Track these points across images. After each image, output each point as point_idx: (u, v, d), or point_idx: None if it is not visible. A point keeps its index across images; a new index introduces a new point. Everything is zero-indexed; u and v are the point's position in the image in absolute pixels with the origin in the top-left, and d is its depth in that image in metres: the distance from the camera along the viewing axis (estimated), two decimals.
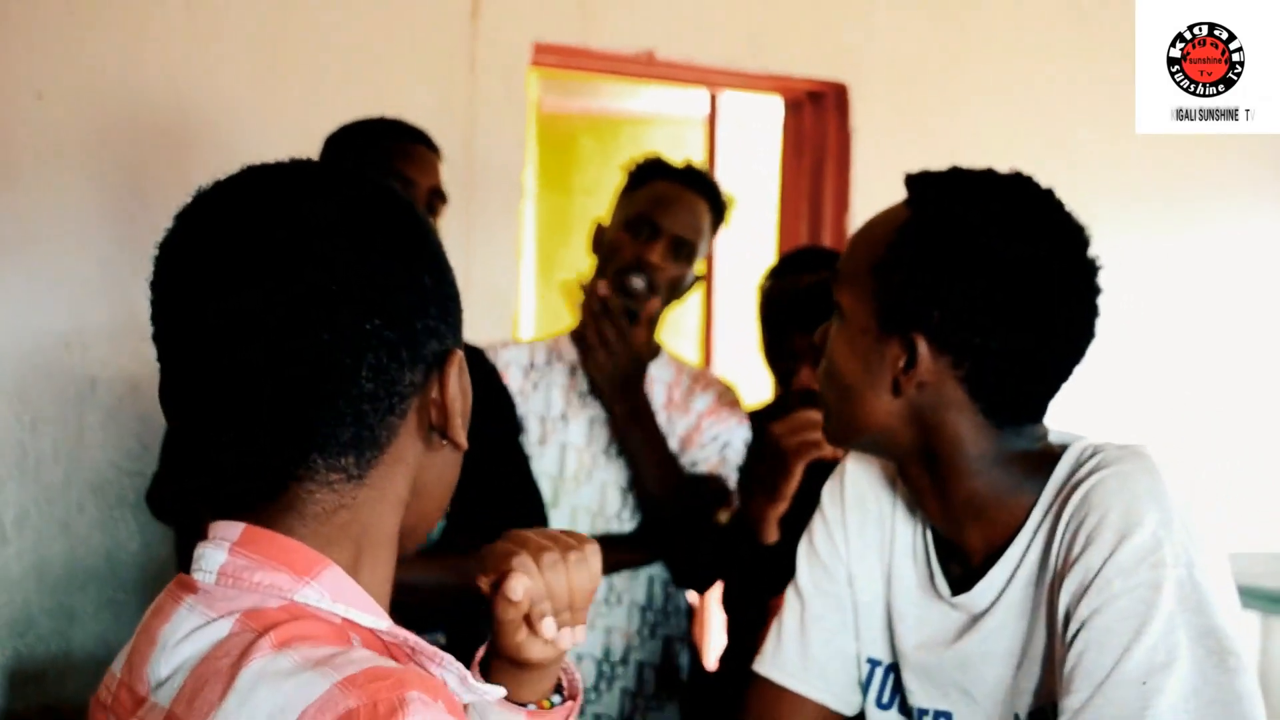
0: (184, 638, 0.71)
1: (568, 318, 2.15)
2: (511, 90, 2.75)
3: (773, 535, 1.75)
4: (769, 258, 2.73)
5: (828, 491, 1.33)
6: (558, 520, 2.02)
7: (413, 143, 1.95)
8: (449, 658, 0.75)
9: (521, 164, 2.80)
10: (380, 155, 1.89)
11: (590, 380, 2.03)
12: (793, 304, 2.01)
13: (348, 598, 0.74)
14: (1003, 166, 1.16)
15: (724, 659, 2.04)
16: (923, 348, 1.09)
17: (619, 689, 2.03)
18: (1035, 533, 1.12)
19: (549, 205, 4.80)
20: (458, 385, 0.79)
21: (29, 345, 2.38)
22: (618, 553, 1.95)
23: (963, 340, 1.08)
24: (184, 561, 2.15)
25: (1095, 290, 1.12)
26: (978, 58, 3.25)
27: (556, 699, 0.95)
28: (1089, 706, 1.01)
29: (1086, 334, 1.12)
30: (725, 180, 2.36)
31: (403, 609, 0.87)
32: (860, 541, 1.29)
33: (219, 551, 0.74)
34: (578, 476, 2.05)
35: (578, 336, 2.07)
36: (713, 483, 2.03)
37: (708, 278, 3.34)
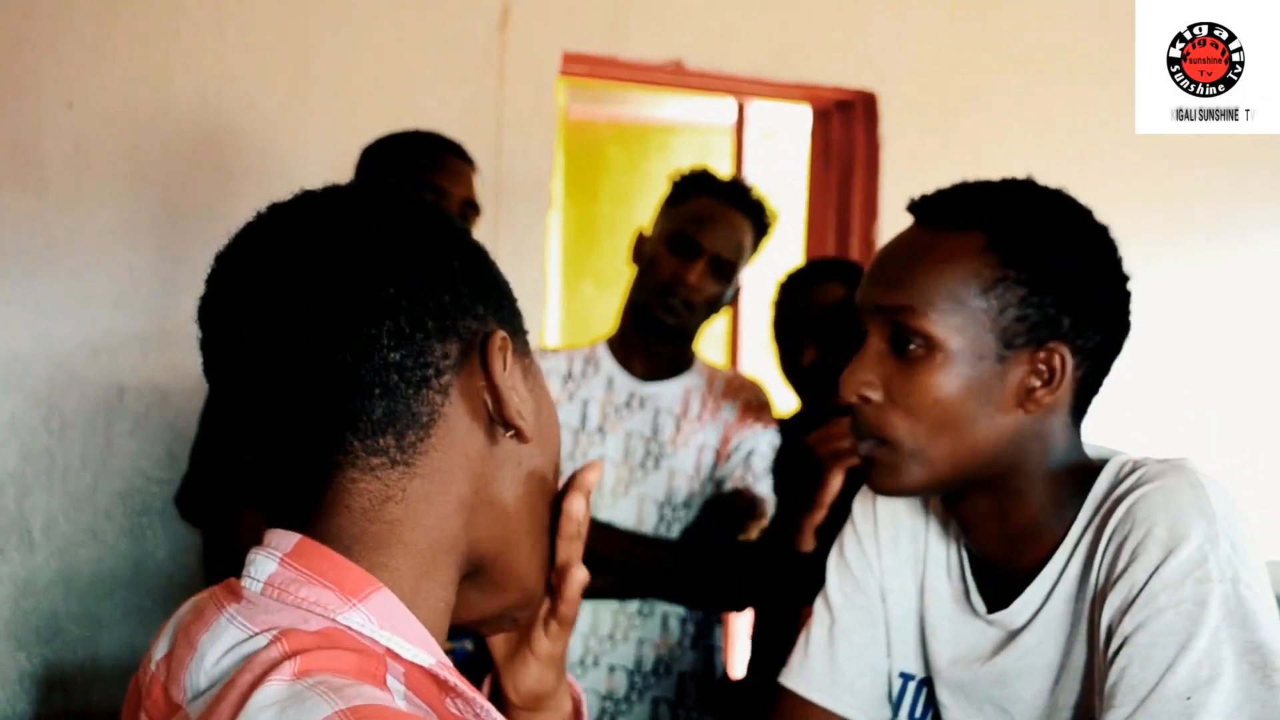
0: (224, 654, 0.69)
1: (596, 326, 2.15)
2: (540, 101, 2.75)
3: (809, 544, 1.74)
4: None
5: (859, 505, 1.32)
6: None
7: (447, 154, 1.99)
8: (490, 708, 0.71)
9: (550, 174, 2.80)
10: (415, 167, 1.93)
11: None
12: (804, 317, 2.03)
13: (394, 624, 0.70)
14: (1024, 175, 1.18)
15: (750, 667, 2.03)
16: (1066, 356, 1.10)
17: (650, 699, 2.03)
18: (1075, 548, 1.11)
19: (575, 212, 4.81)
20: (511, 370, 0.76)
21: (58, 353, 2.39)
22: (655, 552, 1.96)
23: (1086, 340, 1.11)
24: (211, 565, 2.14)
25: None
26: (1007, 67, 3.23)
27: None
28: None
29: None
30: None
31: None
32: (894, 556, 1.28)
33: (270, 561, 0.72)
34: (615, 491, 2.04)
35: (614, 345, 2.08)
36: (739, 500, 2.02)
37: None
